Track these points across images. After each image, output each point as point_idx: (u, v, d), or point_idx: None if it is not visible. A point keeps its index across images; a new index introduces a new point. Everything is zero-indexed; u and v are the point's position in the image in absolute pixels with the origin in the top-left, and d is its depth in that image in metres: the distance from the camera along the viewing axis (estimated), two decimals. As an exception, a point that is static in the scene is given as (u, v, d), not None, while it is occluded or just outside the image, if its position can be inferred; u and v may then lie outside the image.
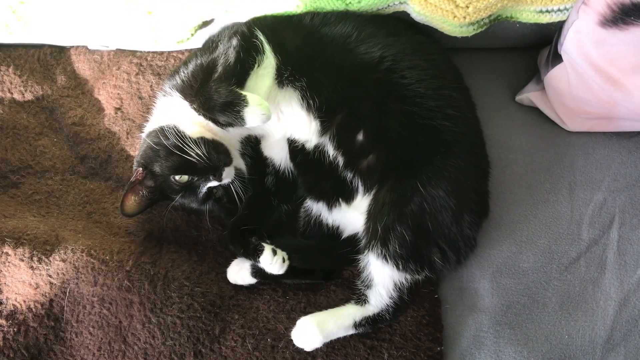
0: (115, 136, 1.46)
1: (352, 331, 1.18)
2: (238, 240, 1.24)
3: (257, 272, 1.23)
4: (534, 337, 1.19)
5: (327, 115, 1.22)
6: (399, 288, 1.18)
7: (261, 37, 1.22)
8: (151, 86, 1.50)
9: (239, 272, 1.25)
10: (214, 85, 1.12)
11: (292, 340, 1.16)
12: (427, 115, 1.19)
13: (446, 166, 1.18)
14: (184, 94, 1.20)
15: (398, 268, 1.16)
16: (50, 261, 1.19)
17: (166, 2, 1.34)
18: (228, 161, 1.21)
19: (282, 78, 1.23)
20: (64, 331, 1.16)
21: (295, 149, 1.29)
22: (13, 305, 1.16)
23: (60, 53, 1.59)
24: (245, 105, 1.08)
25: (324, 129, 1.23)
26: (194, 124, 1.22)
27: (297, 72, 1.22)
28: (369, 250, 1.17)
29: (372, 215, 1.18)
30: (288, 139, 1.29)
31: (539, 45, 1.48)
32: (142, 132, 1.33)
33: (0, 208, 1.31)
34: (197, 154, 1.16)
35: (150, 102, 1.48)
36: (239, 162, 1.30)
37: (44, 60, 1.58)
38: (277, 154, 1.32)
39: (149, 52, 1.55)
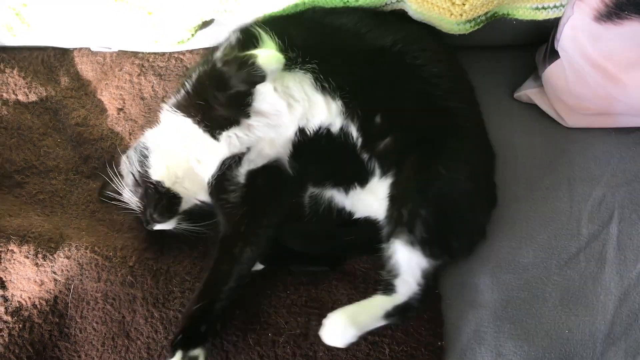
0: (118, 136, 1.48)
1: (382, 322, 1.16)
2: (186, 317, 1.15)
3: (265, 258, 1.22)
4: (534, 332, 1.19)
5: (346, 97, 1.21)
6: (425, 274, 1.17)
7: (259, 29, 1.22)
8: (152, 87, 1.51)
9: None
10: (219, 62, 1.12)
11: (292, 334, 1.17)
12: (443, 96, 1.21)
13: (463, 150, 1.19)
14: (187, 109, 1.20)
15: (424, 254, 1.14)
16: (54, 258, 1.20)
17: (166, 3, 1.36)
18: (161, 220, 1.22)
19: (288, 61, 1.20)
20: (68, 327, 1.17)
21: (304, 137, 1.25)
22: (18, 302, 1.17)
23: (63, 55, 1.61)
24: (257, 56, 1.08)
25: (343, 111, 1.22)
26: (171, 161, 1.24)
27: (306, 55, 1.21)
28: (394, 237, 1.16)
29: (396, 201, 1.18)
30: (299, 130, 1.25)
31: (537, 42, 1.49)
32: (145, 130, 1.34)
33: (5, 207, 1.32)
34: (134, 198, 1.21)
35: (154, 104, 1.50)
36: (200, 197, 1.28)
37: (48, 62, 1.59)
38: (280, 152, 1.29)
39: (150, 53, 1.57)
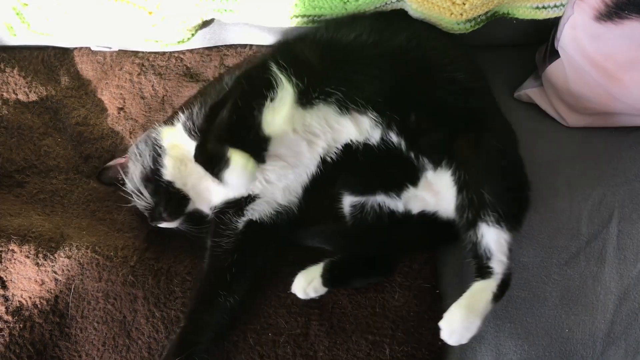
0: (119, 136, 1.48)
1: (492, 305, 1.14)
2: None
3: (328, 280, 1.20)
4: (534, 331, 1.19)
5: (378, 107, 1.21)
6: (510, 248, 1.16)
7: (277, 71, 1.20)
8: (153, 86, 1.52)
9: (311, 284, 1.20)
10: (209, 139, 1.11)
11: (292, 334, 1.18)
12: (469, 78, 1.23)
13: (500, 124, 1.22)
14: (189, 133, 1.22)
15: (509, 228, 1.14)
16: (55, 258, 1.20)
17: (166, 3, 1.36)
18: (170, 220, 1.23)
19: (309, 99, 1.20)
20: (69, 327, 1.17)
21: (337, 156, 1.26)
22: (19, 301, 1.17)
23: (63, 54, 1.61)
24: (226, 167, 1.06)
25: (379, 122, 1.21)
26: (184, 171, 1.24)
27: (329, 84, 1.20)
28: (480, 220, 1.14)
29: (469, 184, 1.16)
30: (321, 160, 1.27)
31: (537, 42, 1.49)
32: (158, 125, 1.33)
33: (6, 207, 1.32)
34: (145, 195, 1.20)
35: (154, 103, 1.50)
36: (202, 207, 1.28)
37: (48, 62, 1.60)
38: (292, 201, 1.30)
39: (150, 52, 1.57)
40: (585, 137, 1.42)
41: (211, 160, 1.08)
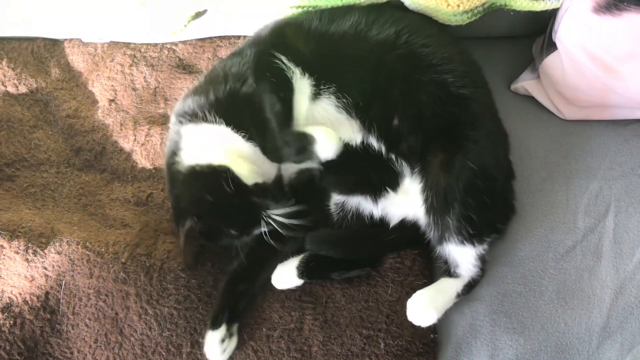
0: (110, 128, 1.46)
1: (456, 300, 1.19)
2: (230, 295, 1.19)
3: (303, 272, 1.20)
4: (530, 326, 1.19)
5: (359, 114, 1.21)
6: (481, 257, 1.20)
7: (286, 61, 1.19)
8: (145, 77, 1.50)
9: (285, 275, 1.22)
10: (281, 135, 1.13)
11: (286, 329, 1.17)
12: (457, 82, 1.20)
13: (484, 137, 1.19)
14: (228, 117, 1.18)
15: (475, 245, 1.17)
16: (45, 254, 1.19)
17: (159, -7, 1.35)
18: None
19: (316, 91, 1.21)
20: (60, 323, 1.16)
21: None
22: (9, 298, 1.16)
23: (54, 46, 1.60)
24: (315, 142, 1.10)
25: (363, 123, 1.21)
26: (238, 157, 1.19)
27: (327, 79, 1.20)
28: (445, 241, 1.17)
29: (437, 207, 1.17)
30: None
31: (534, 34, 1.48)
32: (169, 161, 1.22)
33: (-4, 201, 1.31)
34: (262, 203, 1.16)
35: (146, 95, 1.48)
36: None
37: (38, 53, 1.58)
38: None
39: (142, 43, 1.56)
40: (581, 130, 1.41)
41: (301, 148, 1.12)
